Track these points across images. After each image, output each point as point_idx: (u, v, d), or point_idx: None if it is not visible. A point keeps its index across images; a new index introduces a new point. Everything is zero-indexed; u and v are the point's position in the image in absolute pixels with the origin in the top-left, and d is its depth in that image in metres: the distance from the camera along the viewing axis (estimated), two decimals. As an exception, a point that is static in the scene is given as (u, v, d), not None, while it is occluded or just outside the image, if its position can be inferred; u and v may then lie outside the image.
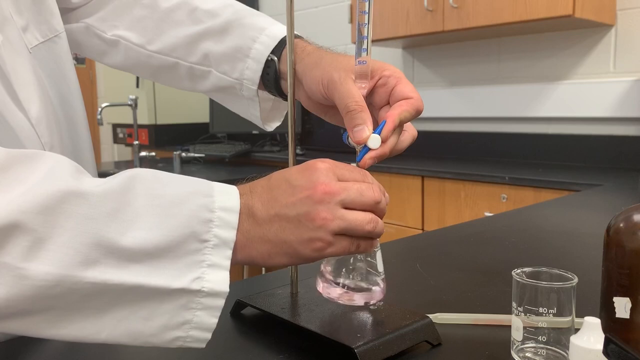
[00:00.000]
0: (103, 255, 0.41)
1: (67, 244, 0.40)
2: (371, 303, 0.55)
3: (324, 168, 0.47)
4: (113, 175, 0.45)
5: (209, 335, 0.45)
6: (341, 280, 0.55)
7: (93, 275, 0.40)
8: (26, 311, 0.40)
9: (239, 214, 0.46)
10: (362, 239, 0.48)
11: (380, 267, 0.55)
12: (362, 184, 0.48)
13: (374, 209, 0.48)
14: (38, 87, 0.60)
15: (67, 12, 0.73)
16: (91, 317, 0.42)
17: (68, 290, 0.40)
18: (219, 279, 0.44)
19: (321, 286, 0.56)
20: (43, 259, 0.39)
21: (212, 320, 0.45)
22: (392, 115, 0.53)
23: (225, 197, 0.46)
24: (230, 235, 0.45)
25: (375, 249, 0.55)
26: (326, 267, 0.56)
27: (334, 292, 0.55)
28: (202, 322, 0.44)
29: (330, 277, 0.55)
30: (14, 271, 0.39)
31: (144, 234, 0.42)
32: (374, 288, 0.55)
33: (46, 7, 0.65)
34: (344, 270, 0.55)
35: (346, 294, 0.54)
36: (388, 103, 0.57)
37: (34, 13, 0.63)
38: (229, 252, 0.45)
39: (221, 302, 0.45)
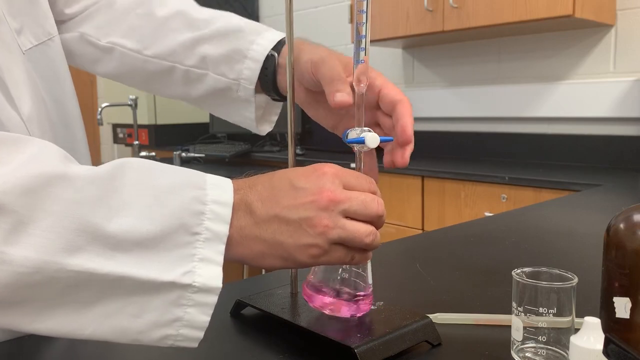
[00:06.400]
0: (88, 242, 0.39)
1: (50, 228, 0.38)
2: (357, 316, 0.54)
3: (330, 173, 0.46)
4: (102, 165, 0.43)
5: (201, 335, 0.43)
6: (328, 291, 0.53)
7: (77, 262, 0.38)
8: (5, 302, 0.38)
9: (234, 209, 0.44)
10: (358, 251, 0.47)
11: (370, 279, 0.54)
12: (367, 195, 0.47)
13: (375, 221, 0.47)
14: (31, 86, 0.60)
15: (60, 24, 0.73)
16: (75, 311, 0.40)
17: (50, 278, 0.38)
18: (211, 274, 0.42)
19: (307, 295, 0.55)
20: (24, 243, 0.37)
21: (204, 318, 0.43)
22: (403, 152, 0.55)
23: (218, 190, 0.44)
24: (223, 229, 0.43)
25: None
26: (313, 276, 0.55)
27: (320, 302, 0.54)
28: (193, 320, 0.42)
29: (317, 287, 0.54)
30: None
31: (132, 221, 0.40)
32: (360, 301, 0.54)
33: (40, 11, 0.65)
34: (331, 280, 0.53)
35: (332, 305, 0.53)
36: (376, 104, 0.59)
37: (28, 17, 0.63)
38: (222, 247, 0.43)
39: (213, 299, 0.42)
